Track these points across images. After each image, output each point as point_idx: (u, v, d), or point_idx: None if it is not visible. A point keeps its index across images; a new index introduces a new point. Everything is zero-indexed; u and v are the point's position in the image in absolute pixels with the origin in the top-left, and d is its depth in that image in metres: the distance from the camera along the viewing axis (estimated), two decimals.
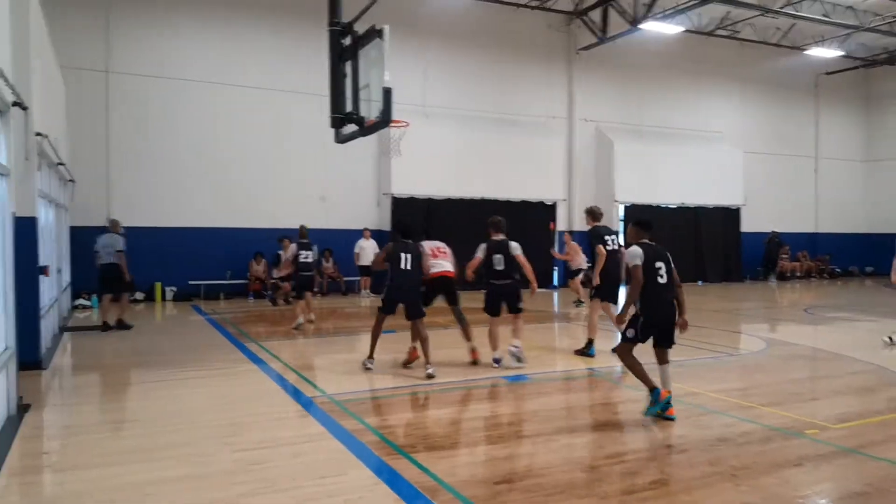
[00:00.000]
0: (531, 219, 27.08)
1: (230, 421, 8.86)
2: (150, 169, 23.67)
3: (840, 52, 34.57)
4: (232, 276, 24.79)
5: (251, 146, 25.05)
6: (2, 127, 9.14)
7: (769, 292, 29.57)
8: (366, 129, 12.26)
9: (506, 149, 28.60)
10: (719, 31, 32.60)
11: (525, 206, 28.39)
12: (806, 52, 34.56)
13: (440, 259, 12.41)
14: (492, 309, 12.44)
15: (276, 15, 25.52)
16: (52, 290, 15.65)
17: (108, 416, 9.60)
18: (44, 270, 12.39)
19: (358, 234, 25.76)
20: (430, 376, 11.46)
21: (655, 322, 9.02)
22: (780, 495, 6.47)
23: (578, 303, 21.82)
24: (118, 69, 23.28)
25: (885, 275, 16.28)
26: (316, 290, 21.33)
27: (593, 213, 13.67)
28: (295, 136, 25.49)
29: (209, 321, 18.75)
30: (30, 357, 11.45)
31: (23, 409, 9.16)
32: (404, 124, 16.71)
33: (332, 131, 13.09)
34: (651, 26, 27.77)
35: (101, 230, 18.20)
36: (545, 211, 29.28)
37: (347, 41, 12.56)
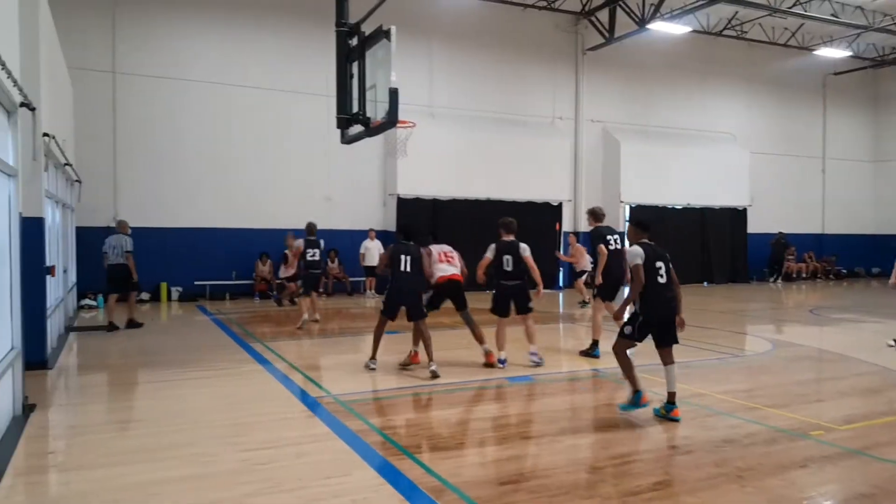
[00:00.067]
0: (537, 219, 26.93)
1: (235, 421, 8.88)
2: (156, 169, 23.71)
3: (848, 53, 34.51)
4: (237, 277, 24.81)
5: (257, 147, 25.07)
6: (10, 127, 9.15)
7: (775, 293, 29.52)
8: (372, 129, 12.23)
9: (512, 149, 28.59)
10: (727, 32, 32.56)
11: (531, 206, 28.29)
12: (814, 53, 34.49)
13: (448, 263, 12.38)
14: (500, 309, 12.54)
15: (281, 15, 25.53)
16: (58, 290, 15.69)
17: (114, 415, 9.61)
18: (50, 270, 12.41)
19: (363, 234, 25.77)
20: (433, 373, 11.55)
21: (654, 321, 9.07)
22: (786, 497, 6.46)
23: (583, 304, 21.83)
24: (125, 70, 23.31)
25: (889, 276, 16.22)
26: (321, 290, 21.35)
27: (595, 214, 13.70)
28: (301, 137, 25.51)
29: (214, 321, 18.76)
30: (36, 357, 11.48)
31: (28, 408, 9.17)
32: (411, 125, 16.71)
33: (338, 132, 13.08)
34: (658, 26, 27.75)
35: (107, 230, 18.23)
36: (551, 212, 29.19)
37: (354, 42, 12.54)
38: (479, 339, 12.48)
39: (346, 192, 26.15)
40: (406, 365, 12.15)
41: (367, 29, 12.20)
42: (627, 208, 30.95)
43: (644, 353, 9.50)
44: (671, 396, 9.00)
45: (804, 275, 36.20)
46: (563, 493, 6.42)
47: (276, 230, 24.06)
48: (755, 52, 34.80)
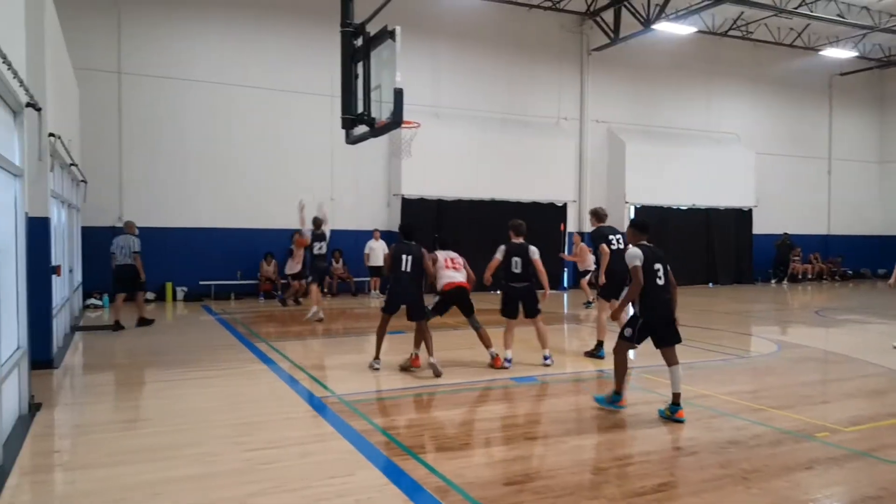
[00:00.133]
0: (541, 220, 26.83)
1: (239, 420, 8.90)
2: (161, 169, 23.74)
3: (854, 53, 34.46)
4: (242, 277, 24.82)
5: (262, 147, 25.09)
6: (16, 127, 9.16)
7: (780, 294, 29.47)
8: (377, 130, 12.25)
9: (517, 150, 28.58)
10: (732, 32, 32.52)
11: (535, 207, 28.26)
12: (820, 53, 34.41)
13: (454, 270, 12.39)
14: (509, 312, 12.63)
15: (287, 16, 25.54)
16: (64, 289, 15.70)
17: (119, 415, 9.62)
18: (56, 270, 12.43)
19: (368, 234, 25.78)
20: (434, 367, 11.70)
21: (654, 323, 9.13)
22: (791, 498, 6.46)
23: (588, 304, 21.83)
24: (130, 70, 23.34)
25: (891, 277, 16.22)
26: (325, 290, 21.39)
27: (598, 215, 13.75)
28: (305, 137, 25.50)
29: (219, 321, 18.78)
30: (42, 356, 11.50)
31: (34, 407, 9.19)
32: (415, 125, 16.71)
33: (342, 132, 13.09)
34: (664, 27, 27.71)
35: (113, 230, 18.26)
36: (555, 212, 29.12)
37: (359, 42, 12.57)
38: (487, 344, 12.47)
39: (350, 192, 26.13)
40: (406, 368, 12.13)
41: (372, 29, 12.22)
42: (632, 209, 30.91)
43: (649, 353, 9.47)
44: (676, 398, 8.99)
45: (810, 276, 36.16)
46: (567, 494, 6.42)
47: (281, 230, 24.09)
48: (761, 52, 34.78)
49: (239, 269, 24.74)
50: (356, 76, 12.56)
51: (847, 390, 11.28)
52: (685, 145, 32.78)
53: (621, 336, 9.33)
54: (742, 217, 34.08)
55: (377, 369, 12.07)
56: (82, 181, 19.58)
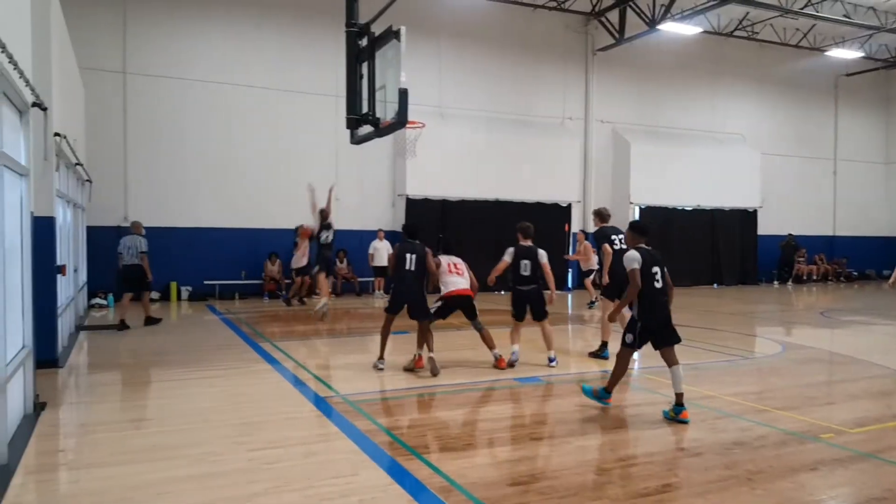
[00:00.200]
0: (546, 220, 26.83)
1: (244, 420, 8.91)
2: (166, 169, 23.78)
3: (860, 54, 34.41)
4: (247, 276, 24.86)
5: (266, 147, 25.12)
6: (21, 127, 9.17)
7: (785, 295, 29.46)
8: (381, 130, 12.25)
9: (521, 150, 28.58)
10: (738, 32, 32.54)
11: (540, 207, 28.26)
12: (826, 54, 34.40)
13: (457, 275, 12.38)
14: (517, 314, 12.75)
15: (293, 16, 25.59)
16: (69, 289, 15.73)
17: (124, 414, 9.63)
18: (61, 270, 12.44)
19: (372, 234, 25.81)
20: (432, 364, 11.78)
21: (652, 326, 9.18)
22: (796, 500, 6.45)
23: (591, 304, 21.83)
24: (135, 70, 23.39)
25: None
26: (333, 279, 21.41)
27: (601, 215, 13.80)
28: (310, 137, 25.53)
29: (224, 321, 18.80)
30: (46, 355, 11.53)
31: (39, 407, 9.20)
32: (420, 125, 16.69)
33: (347, 132, 13.10)
34: (669, 27, 27.71)
35: (118, 230, 18.28)
36: (560, 213, 29.22)
37: (364, 42, 12.58)
38: (490, 345, 12.49)
39: (355, 192, 26.11)
40: (410, 369, 12.13)
41: (377, 29, 12.23)
42: (637, 209, 30.92)
43: (652, 354, 9.47)
44: (679, 398, 9.00)
45: (815, 277, 36.14)
46: (571, 495, 6.42)
47: (286, 230, 24.12)
48: (766, 52, 34.75)
49: (243, 268, 24.79)
50: (361, 76, 12.57)
51: (852, 391, 11.25)
52: (690, 145, 32.77)
53: (623, 343, 9.42)
54: (747, 218, 34.06)
55: (381, 369, 12.08)
56: (87, 181, 19.61)
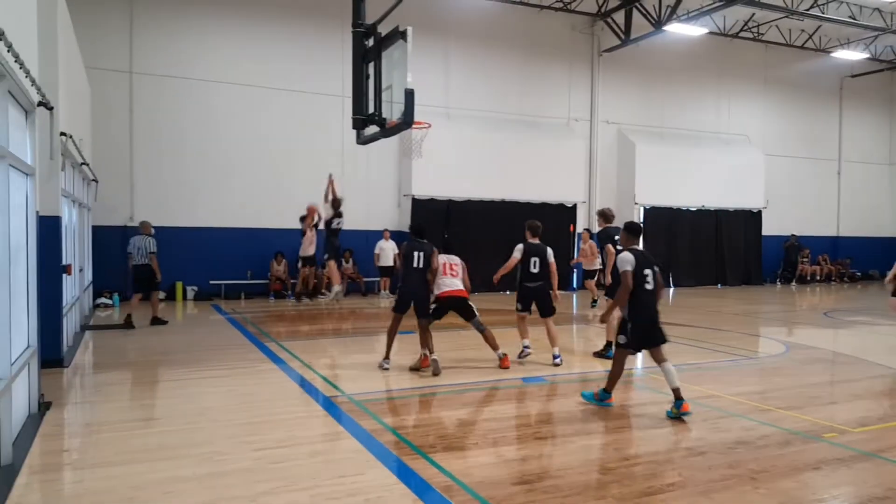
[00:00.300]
0: (551, 221, 26.81)
1: (250, 420, 8.94)
2: (171, 169, 23.80)
3: (866, 55, 34.43)
4: (253, 276, 24.87)
5: (272, 147, 25.13)
6: (27, 126, 9.20)
7: (788, 296, 29.43)
8: (387, 130, 12.27)
9: (527, 150, 28.58)
10: (743, 34, 32.53)
11: (545, 207, 28.20)
12: (831, 55, 34.38)
13: (451, 277, 12.38)
14: (524, 309, 13.00)
15: (300, 16, 25.57)
16: (75, 288, 15.76)
17: (129, 414, 9.63)
18: (66, 269, 12.47)
19: (378, 234, 25.83)
20: (434, 364, 11.84)
21: (643, 328, 9.30)
22: (799, 498, 6.47)
23: (594, 303, 21.85)
24: (142, 70, 23.40)
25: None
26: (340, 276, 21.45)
27: (605, 216, 13.88)
28: (316, 137, 25.52)
29: (230, 321, 18.82)
30: (52, 355, 11.55)
31: (44, 406, 9.23)
32: (426, 126, 16.73)
33: (353, 132, 13.12)
34: (675, 28, 27.68)
35: (123, 230, 18.30)
36: (565, 213, 29.22)
37: (371, 43, 12.60)
38: (493, 346, 12.49)
39: (361, 192, 26.10)
40: (416, 368, 12.14)
41: (384, 30, 12.24)
42: (642, 210, 30.95)
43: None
44: (676, 392, 9.11)
45: (818, 277, 36.15)
46: (575, 494, 6.44)
47: (292, 230, 24.10)
48: (771, 53, 34.73)
49: (249, 268, 24.79)
50: (367, 76, 12.59)
51: (855, 391, 11.26)
52: (695, 146, 32.77)
53: (617, 344, 9.61)
54: (751, 218, 34.05)
55: (387, 369, 12.11)
56: (93, 180, 19.62)
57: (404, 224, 25.69)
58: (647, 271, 9.30)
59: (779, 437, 8.29)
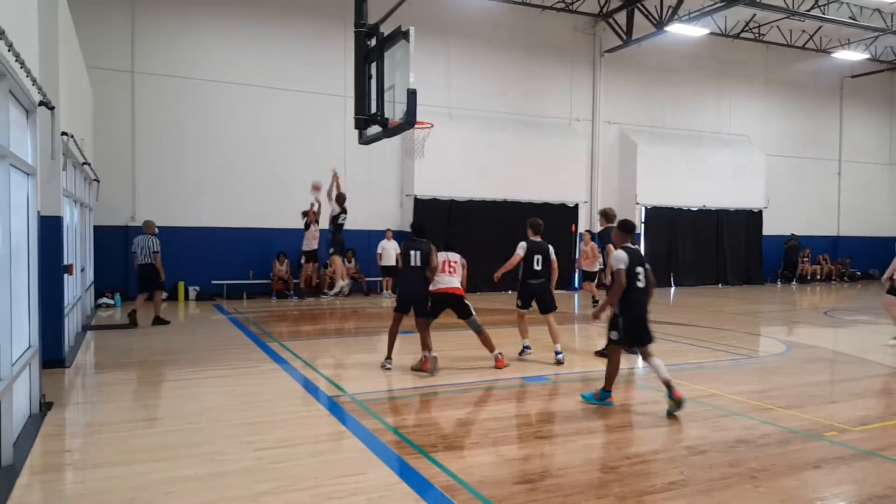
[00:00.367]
0: (553, 221, 26.85)
1: (251, 419, 8.94)
2: (173, 169, 23.82)
3: (866, 55, 34.50)
4: (255, 276, 24.88)
5: (274, 146, 25.14)
6: (28, 126, 9.19)
7: (789, 295, 29.43)
8: (390, 130, 12.27)
9: (529, 150, 28.63)
10: (744, 34, 32.60)
11: (547, 207, 28.23)
12: (832, 55, 34.47)
13: (449, 274, 12.37)
14: (524, 305, 13.12)
15: (302, 16, 25.59)
16: (76, 288, 15.76)
17: (130, 414, 9.62)
18: (68, 269, 12.48)
19: (380, 234, 25.86)
20: (434, 361, 11.90)
21: (635, 325, 9.46)
22: (800, 497, 6.48)
23: (595, 303, 21.84)
24: (143, 70, 23.42)
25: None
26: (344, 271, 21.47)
27: (607, 215, 13.96)
28: (319, 137, 25.53)
29: (232, 320, 18.82)
30: (53, 355, 11.56)
31: (45, 407, 9.23)
32: (428, 126, 16.77)
33: (355, 132, 13.13)
34: (676, 29, 27.71)
35: (125, 230, 18.31)
36: (567, 213, 29.25)
37: (373, 43, 12.61)
38: (489, 347, 12.49)
39: (363, 192, 26.08)
40: (417, 369, 12.15)
41: (386, 30, 12.25)
42: (643, 209, 30.99)
43: (655, 354, 9.51)
44: (668, 384, 9.23)
45: (819, 277, 36.23)
46: (577, 493, 6.45)
47: (294, 230, 24.15)
48: (772, 54, 34.78)
49: (251, 268, 24.80)
50: (370, 76, 12.60)
51: (855, 390, 11.26)
52: (696, 147, 32.84)
53: (609, 341, 9.79)
54: (752, 218, 34.11)
55: (389, 369, 12.12)
56: (95, 180, 19.62)
57: (406, 224, 25.67)
58: (639, 269, 9.45)
59: (779, 436, 8.30)
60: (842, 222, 38.57)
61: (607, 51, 30.80)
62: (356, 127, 12.86)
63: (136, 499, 6.30)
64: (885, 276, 16.09)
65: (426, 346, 12.05)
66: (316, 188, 18.69)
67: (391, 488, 6.56)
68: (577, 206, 29.69)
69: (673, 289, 30.94)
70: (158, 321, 17.62)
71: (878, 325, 19.34)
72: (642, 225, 30.97)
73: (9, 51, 6.88)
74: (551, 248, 12.92)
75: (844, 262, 37.27)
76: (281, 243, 24.57)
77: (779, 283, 35.06)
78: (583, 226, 29.16)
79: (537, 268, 12.74)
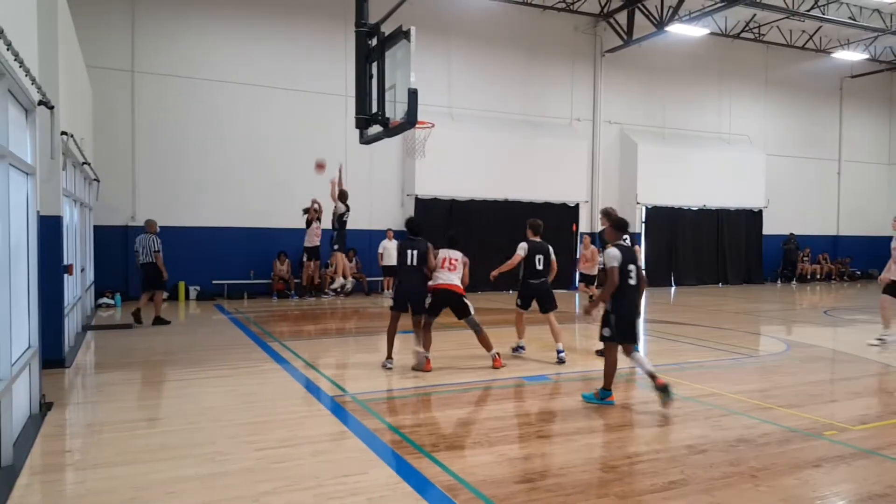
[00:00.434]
0: (553, 220, 26.88)
1: (252, 419, 8.93)
2: (174, 168, 23.82)
3: (866, 56, 34.59)
4: (255, 276, 24.88)
5: (275, 146, 25.16)
6: (28, 125, 9.19)
7: (789, 294, 29.43)
8: (391, 130, 12.27)
9: (530, 150, 28.66)
10: (745, 34, 32.66)
11: (547, 207, 28.30)
12: (831, 55, 34.55)
13: (449, 271, 12.36)
14: (524, 305, 13.18)
15: (303, 16, 25.61)
16: (76, 288, 15.75)
17: (131, 414, 9.61)
18: (68, 269, 12.47)
19: (382, 234, 25.88)
20: (424, 358, 11.99)
21: (627, 321, 9.63)
22: (800, 496, 6.48)
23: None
24: (144, 69, 23.43)
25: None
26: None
27: (609, 215, 13.87)
28: (320, 137, 25.49)
29: (232, 320, 18.82)
30: (53, 355, 11.56)
31: (45, 407, 9.22)
32: (429, 125, 16.77)
33: (356, 132, 13.13)
34: (677, 29, 27.75)
35: (125, 229, 18.30)
36: (568, 212, 29.27)
37: (374, 42, 12.61)
38: (487, 347, 12.48)
39: (364, 192, 26.10)
40: (418, 369, 12.14)
41: (387, 29, 12.26)
42: (644, 209, 31.02)
43: (654, 354, 9.52)
44: (651, 375, 9.43)
45: (818, 276, 36.28)
46: (578, 492, 6.45)
47: (295, 230, 24.17)
48: (772, 54, 34.83)
49: (252, 268, 24.81)
50: (371, 76, 12.61)
51: (855, 389, 11.27)
52: (696, 146, 32.88)
53: (602, 338, 9.89)
54: (752, 218, 34.20)
55: (390, 368, 12.12)
56: (95, 180, 19.62)
57: None
58: (631, 266, 9.59)
59: (780, 435, 8.30)
60: (841, 222, 38.63)
61: (608, 51, 30.83)
62: (357, 126, 12.87)
63: (137, 499, 6.29)
64: (882, 275, 16.11)
65: (426, 347, 12.05)
66: (320, 166, 18.56)
67: (392, 488, 6.55)
68: (577, 205, 29.73)
69: (673, 288, 30.97)
70: (159, 321, 17.62)
71: (878, 324, 19.29)
72: (643, 225, 30.99)
73: (8, 50, 6.87)
74: (551, 249, 12.99)
75: (844, 262, 37.33)
76: (282, 243, 24.58)
77: (779, 282, 35.14)
78: (583, 225, 29.22)
79: (539, 268, 12.78)
